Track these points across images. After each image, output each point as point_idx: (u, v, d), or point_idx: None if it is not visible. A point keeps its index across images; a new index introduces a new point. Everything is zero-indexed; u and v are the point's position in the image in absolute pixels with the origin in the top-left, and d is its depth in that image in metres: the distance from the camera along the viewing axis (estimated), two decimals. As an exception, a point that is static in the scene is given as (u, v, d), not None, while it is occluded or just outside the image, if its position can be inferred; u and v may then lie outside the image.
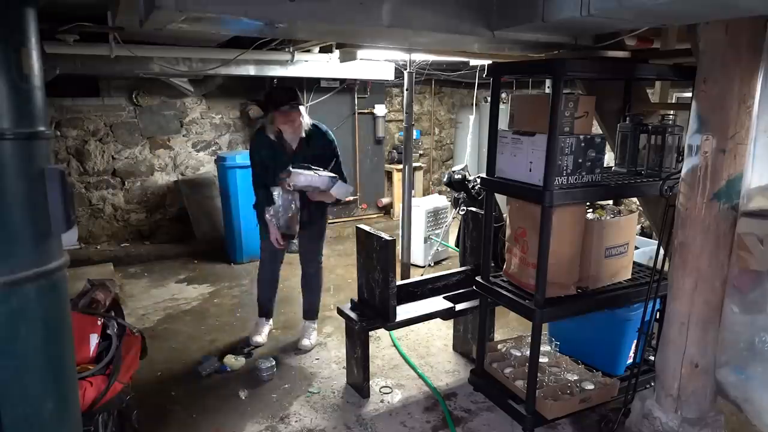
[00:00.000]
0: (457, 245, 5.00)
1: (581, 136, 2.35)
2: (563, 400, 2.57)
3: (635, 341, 2.83)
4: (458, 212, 3.63)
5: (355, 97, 6.60)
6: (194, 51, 4.66)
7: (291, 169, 3.12)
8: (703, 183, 2.01)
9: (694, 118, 2.03)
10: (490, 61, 3.71)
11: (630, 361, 2.92)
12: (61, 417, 1.55)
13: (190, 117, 6.17)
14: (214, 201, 5.90)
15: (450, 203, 5.61)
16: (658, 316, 2.72)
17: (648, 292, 2.49)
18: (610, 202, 3.04)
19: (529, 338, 2.55)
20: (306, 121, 3.28)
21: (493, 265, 2.87)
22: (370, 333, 3.01)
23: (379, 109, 6.80)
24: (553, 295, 2.51)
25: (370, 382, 3.06)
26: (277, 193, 3.19)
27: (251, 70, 4.99)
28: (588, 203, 2.71)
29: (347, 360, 3.13)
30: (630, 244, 2.73)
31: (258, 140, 3.40)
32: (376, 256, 2.89)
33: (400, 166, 5.61)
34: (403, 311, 3.00)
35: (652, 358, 2.73)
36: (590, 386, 2.65)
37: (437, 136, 8.44)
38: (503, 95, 5.44)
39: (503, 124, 2.66)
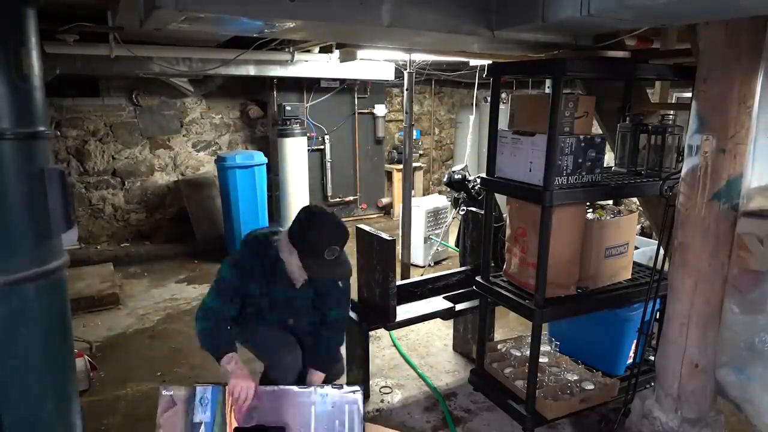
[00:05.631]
0: (457, 245, 5.00)
1: (581, 136, 2.35)
2: (563, 400, 2.57)
3: (635, 341, 2.83)
4: (458, 212, 3.63)
5: (355, 97, 6.61)
6: (194, 51, 4.67)
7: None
8: (703, 183, 2.01)
9: (694, 118, 2.03)
10: (490, 61, 3.71)
11: (630, 361, 2.91)
12: (61, 417, 1.55)
13: (190, 117, 6.17)
14: (214, 201, 5.90)
15: (450, 203, 5.61)
16: (658, 316, 2.72)
17: (648, 292, 2.49)
18: (610, 202, 3.04)
19: (529, 338, 2.55)
20: None
21: (493, 265, 2.87)
22: (370, 333, 3.01)
23: (379, 109, 6.80)
24: (553, 295, 2.51)
25: (370, 382, 3.05)
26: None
27: (251, 70, 5.01)
28: (588, 203, 2.71)
29: (347, 360, 3.13)
30: (630, 244, 2.73)
31: (253, 256, 2.20)
32: (376, 256, 2.89)
33: (400, 166, 5.61)
34: (403, 311, 3.00)
35: (652, 358, 2.73)
36: (590, 386, 2.65)
37: (437, 136, 8.44)
38: (503, 95, 5.44)
39: (503, 124, 2.66)
